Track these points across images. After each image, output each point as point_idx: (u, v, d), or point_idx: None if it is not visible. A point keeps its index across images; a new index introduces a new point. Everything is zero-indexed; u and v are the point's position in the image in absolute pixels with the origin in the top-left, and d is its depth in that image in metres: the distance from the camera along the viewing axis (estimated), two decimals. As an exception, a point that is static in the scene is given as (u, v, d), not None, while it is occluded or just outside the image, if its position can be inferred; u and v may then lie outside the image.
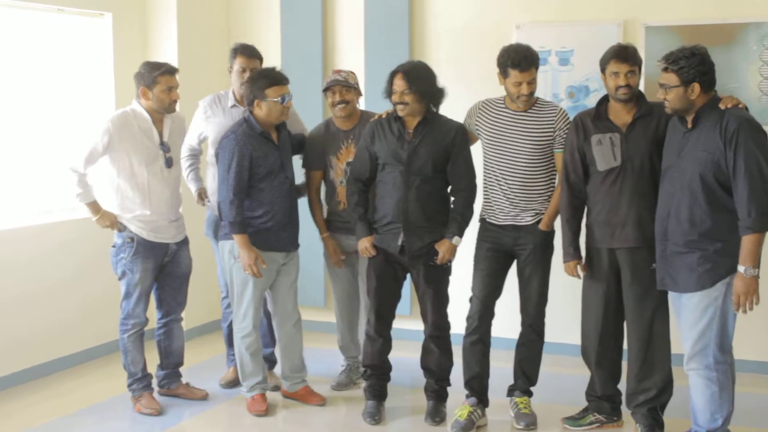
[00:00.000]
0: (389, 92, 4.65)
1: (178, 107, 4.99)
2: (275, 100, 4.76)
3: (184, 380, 5.30)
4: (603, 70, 4.41)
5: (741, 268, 3.93)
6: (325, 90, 5.06)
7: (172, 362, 5.24)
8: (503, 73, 4.58)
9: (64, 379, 5.64)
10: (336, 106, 5.01)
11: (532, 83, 4.55)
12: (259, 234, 4.85)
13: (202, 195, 5.28)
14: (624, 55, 4.33)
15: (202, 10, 6.62)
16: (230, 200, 4.73)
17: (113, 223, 4.87)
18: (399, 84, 4.59)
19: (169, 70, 4.87)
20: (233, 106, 5.17)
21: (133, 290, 4.93)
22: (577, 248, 4.53)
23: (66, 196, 5.52)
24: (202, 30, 6.52)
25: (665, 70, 4.06)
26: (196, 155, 5.38)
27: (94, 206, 4.87)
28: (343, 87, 5.00)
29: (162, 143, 4.91)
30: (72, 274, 5.86)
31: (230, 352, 5.43)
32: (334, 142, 5.08)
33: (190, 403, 5.18)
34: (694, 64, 3.99)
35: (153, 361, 5.26)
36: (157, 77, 4.82)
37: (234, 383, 5.35)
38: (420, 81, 4.60)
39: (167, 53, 6.33)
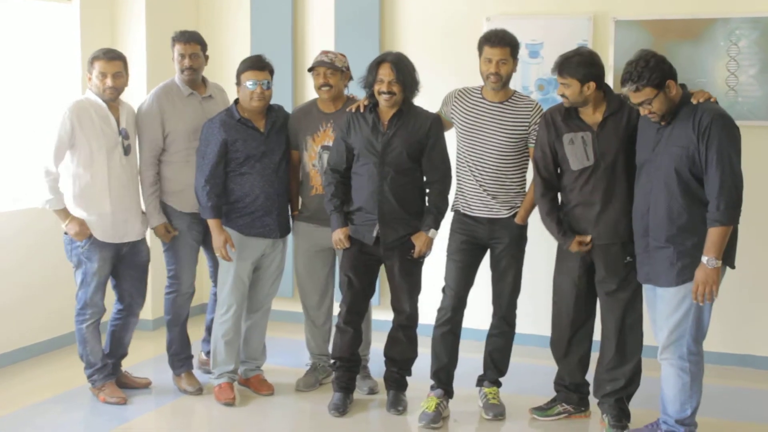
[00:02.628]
0: (371, 82, 4.62)
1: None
2: (245, 84, 4.76)
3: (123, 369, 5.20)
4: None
5: (704, 259, 3.97)
6: (310, 70, 4.96)
7: (120, 353, 5.10)
8: (479, 52, 4.60)
9: (23, 370, 5.55)
10: (320, 88, 4.92)
11: (503, 63, 4.53)
12: (242, 219, 4.88)
13: (168, 228, 5.01)
14: (558, 68, 4.35)
15: (172, 3, 6.54)
16: (202, 185, 4.77)
17: (82, 225, 4.72)
18: (387, 73, 4.56)
19: (100, 56, 4.72)
20: (191, 94, 5.04)
21: (91, 279, 4.81)
22: (566, 232, 4.46)
23: (7, 188, 5.52)
24: (171, 18, 6.42)
25: (636, 90, 4.00)
26: (157, 181, 5.02)
27: (64, 213, 4.72)
28: (328, 69, 4.88)
29: (120, 130, 4.80)
30: (11, 265, 5.66)
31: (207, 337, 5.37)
32: (312, 122, 4.97)
33: (157, 391, 5.14)
34: (655, 68, 3.98)
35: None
36: (92, 61, 4.72)
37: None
38: (406, 71, 4.60)
39: (135, 41, 6.26)
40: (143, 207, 4.99)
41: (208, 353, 5.32)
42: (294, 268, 5.31)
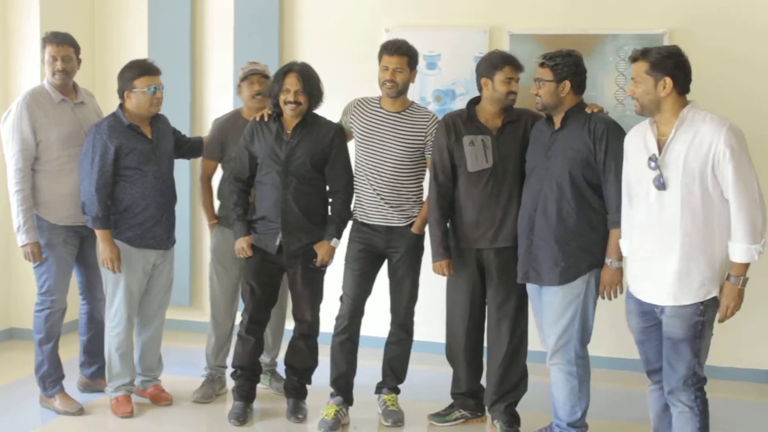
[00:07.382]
0: (276, 91, 4.64)
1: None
2: (143, 90, 4.67)
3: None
4: (490, 74, 4.48)
5: (608, 260, 4.16)
6: (243, 80, 5.01)
7: None
8: (379, 60, 4.69)
9: None
10: (254, 97, 4.96)
11: (398, 72, 4.63)
12: (132, 230, 4.76)
13: (35, 252, 4.72)
14: (518, 63, 4.51)
15: (66, 4, 6.39)
16: (92, 194, 4.62)
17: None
18: (293, 83, 4.59)
19: None
20: (62, 100, 4.81)
21: None
22: (446, 248, 4.61)
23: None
24: (66, 20, 6.22)
25: (542, 65, 4.25)
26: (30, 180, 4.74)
27: None
28: (262, 77, 4.98)
29: None
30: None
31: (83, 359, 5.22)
32: (239, 132, 4.88)
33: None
34: (568, 63, 4.21)
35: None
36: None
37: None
38: (312, 81, 4.65)
39: (29, 49, 6.09)
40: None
41: (89, 375, 5.20)
42: (210, 275, 5.23)
